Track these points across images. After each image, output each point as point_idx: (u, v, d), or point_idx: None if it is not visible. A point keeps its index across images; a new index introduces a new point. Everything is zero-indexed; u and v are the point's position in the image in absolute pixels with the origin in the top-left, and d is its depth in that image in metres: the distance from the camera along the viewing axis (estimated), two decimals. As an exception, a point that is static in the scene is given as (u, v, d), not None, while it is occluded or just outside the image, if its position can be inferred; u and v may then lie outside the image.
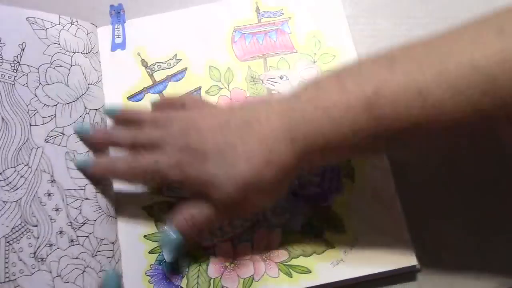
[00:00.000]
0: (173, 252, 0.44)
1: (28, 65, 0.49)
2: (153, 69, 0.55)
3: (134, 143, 0.46)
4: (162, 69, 0.55)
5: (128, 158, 0.46)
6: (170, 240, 0.44)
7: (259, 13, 0.57)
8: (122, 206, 0.49)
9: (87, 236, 0.46)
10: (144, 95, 0.54)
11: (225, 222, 0.48)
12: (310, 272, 0.46)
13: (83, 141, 0.49)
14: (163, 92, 0.54)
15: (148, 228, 0.49)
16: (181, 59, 0.55)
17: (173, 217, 0.44)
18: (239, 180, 0.41)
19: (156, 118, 0.47)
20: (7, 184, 0.45)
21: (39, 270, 0.43)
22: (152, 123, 0.46)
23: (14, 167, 0.46)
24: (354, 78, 0.39)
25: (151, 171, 0.44)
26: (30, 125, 0.47)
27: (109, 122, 0.52)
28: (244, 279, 0.46)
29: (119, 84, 0.54)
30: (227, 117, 0.43)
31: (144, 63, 0.55)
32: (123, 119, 0.50)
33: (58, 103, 0.49)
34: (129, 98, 0.54)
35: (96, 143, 0.49)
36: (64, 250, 0.44)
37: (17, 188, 0.45)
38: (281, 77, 0.54)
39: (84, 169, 0.48)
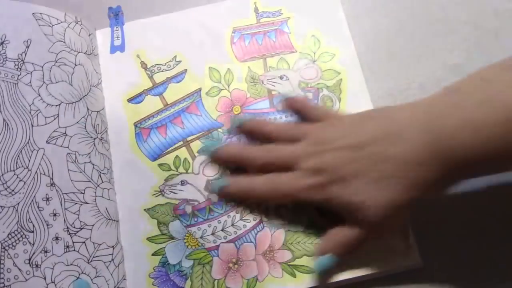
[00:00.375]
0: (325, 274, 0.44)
1: (33, 63, 0.48)
2: (153, 71, 0.54)
3: (266, 167, 0.45)
4: (162, 71, 0.54)
5: (266, 179, 0.45)
6: (324, 266, 0.43)
7: (258, 14, 0.56)
8: (124, 208, 0.49)
9: (83, 242, 0.45)
10: (144, 97, 0.53)
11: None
12: (314, 272, 0.45)
13: (211, 160, 0.49)
14: (163, 94, 0.53)
15: (151, 230, 0.48)
16: (180, 61, 0.55)
17: (322, 243, 0.44)
18: (388, 204, 0.40)
19: (289, 135, 0.46)
20: (5, 189, 0.44)
21: (33, 276, 0.42)
22: (285, 139, 0.46)
23: (14, 170, 0.45)
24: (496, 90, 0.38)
25: (291, 194, 0.44)
26: (32, 125, 0.46)
27: (111, 124, 0.52)
28: (248, 280, 0.46)
29: (118, 86, 0.53)
30: (364, 135, 0.42)
31: (143, 65, 0.55)
32: (249, 131, 0.49)
33: (62, 102, 0.48)
34: (129, 100, 0.53)
35: (225, 160, 0.49)
36: (59, 256, 0.43)
37: (16, 193, 0.44)
38: (281, 77, 0.53)
39: (219, 192, 0.47)
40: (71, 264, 0.44)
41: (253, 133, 0.49)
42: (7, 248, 0.43)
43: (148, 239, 0.48)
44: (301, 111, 0.49)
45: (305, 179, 0.43)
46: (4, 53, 0.48)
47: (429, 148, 0.39)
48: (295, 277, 0.46)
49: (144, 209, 0.49)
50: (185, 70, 0.54)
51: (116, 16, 0.57)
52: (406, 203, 0.41)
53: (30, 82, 0.48)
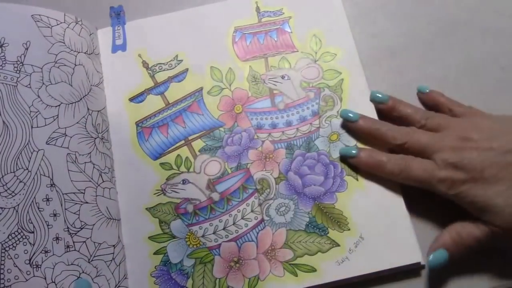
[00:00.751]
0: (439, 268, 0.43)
1: (32, 65, 0.48)
2: (155, 70, 0.54)
3: (402, 146, 0.46)
4: (163, 70, 0.54)
5: (399, 161, 0.46)
6: (439, 260, 0.43)
7: (259, 13, 0.56)
8: (125, 207, 0.49)
9: (84, 242, 0.44)
10: (146, 96, 0.53)
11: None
12: (315, 270, 0.45)
13: (349, 127, 0.49)
14: (165, 93, 0.54)
15: (152, 229, 0.48)
16: (182, 60, 0.54)
17: (441, 234, 0.44)
18: None
19: (428, 122, 0.47)
20: (5, 190, 0.44)
21: (33, 276, 0.42)
22: (422, 125, 0.47)
23: (14, 172, 0.44)
24: None
25: (419, 179, 0.44)
26: (32, 127, 0.46)
27: (112, 124, 0.52)
28: (249, 278, 0.45)
29: (120, 86, 0.53)
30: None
31: (145, 64, 0.54)
32: (390, 109, 0.49)
33: (61, 103, 0.48)
34: (131, 99, 0.53)
35: (361, 131, 0.49)
36: (60, 256, 0.43)
37: (16, 194, 0.44)
38: (282, 77, 0.53)
39: (349, 157, 0.48)
40: (72, 264, 0.43)
41: (392, 111, 0.49)
42: (7, 249, 0.42)
43: (149, 238, 0.48)
44: (440, 105, 0.49)
45: (442, 171, 0.43)
46: (3, 56, 0.48)
47: None
48: (296, 276, 0.45)
49: (146, 208, 0.49)
50: (187, 69, 0.54)
51: (117, 16, 0.57)
52: None
53: (29, 84, 0.47)
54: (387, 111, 0.49)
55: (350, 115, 0.49)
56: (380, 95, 0.50)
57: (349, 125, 0.49)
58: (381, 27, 0.55)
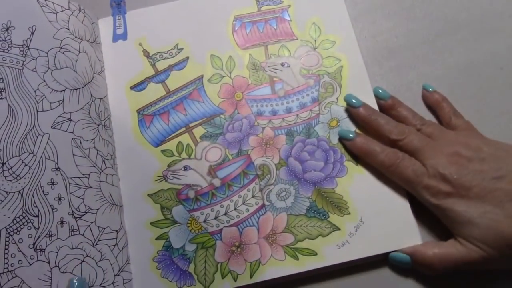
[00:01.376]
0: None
1: (38, 49, 0.48)
2: (155, 59, 0.54)
3: (396, 142, 0.47)
4: (164, 58, 0.54)
5: (392, 154, 0.46)
6: (401, 263, 0.45)
7: (259, 2, 0.56)
8: (127, 193, 0.49)
9: (88, 226, 0.44)
10: (147, 84, 0.53)
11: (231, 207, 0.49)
12: (316, 254, 0.45)
13: (350, 112, 0.50)
14: (166, 81, 0.54)
15: (154, 215, 0.48)
16: (182, 49, 0.55)
17: (420, 246, 0.44)
18: (500, 237, 0.41)
19: (423, 128, 0.47)
20: (11, 174, 0.44)
21: (37, 260, 0.42)
22: (417, 130, 0.47)
23: (19, 155, 0.44)
24: None
25: (407, 178, 0.45)
26: (37, 111, 0.46)
27: (114, 111, 0.53)
28: (251, 263, 0.46)
29: (121, 74, 0.53)
30: (506, 168, 0.42)
31: (145, 53, 0.55)
32: (389, 106, 0.50)
33: (66, 88, 0.48)
34: (132, 87, 0.53)
35: (359, 119, 0.49)
36: (64, 240, 0.43)
37: (21, 178, 0.44)
38: (282, 64, 0.53)
39: (345, 140, 0.49)
40: (76, 248, 0.43)
41: (391, 109, 0.50)
42: (11, 233, 0.42)
43: (151, 223, 0.48)
44: (441, 110, 0.50)
45: (431, 179, 0.44)
46: (10, 39, 0.47)
47: None
48: (297, 259, 0.46)
49: (148, 195, 0.49)
50: (187, 58, 0.54)
51: (118, 5, 0.57)
52: None
53: (35, 68, 0.47)
54: (386, 108, 0.50)
55: (353, 100, 0.49)
56: (381, 91, 0.50)
57: (350, 110, 0.50)
58: (381, 27, 0.55)
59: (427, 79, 0.53)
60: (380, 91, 0.50)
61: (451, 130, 0.48)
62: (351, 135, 0.48)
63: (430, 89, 0.51)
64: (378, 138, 0.48)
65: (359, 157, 0.49)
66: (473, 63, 0.53)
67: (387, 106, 0.50)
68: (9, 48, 0.47)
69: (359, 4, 0.56)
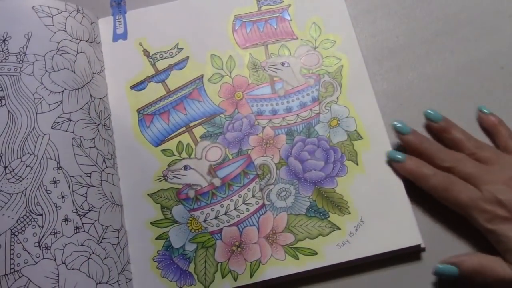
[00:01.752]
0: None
1: (34, 54, 0.48)
2: (155, 58, 0.54)
3: (450, 169, 0.45)
4: (164, 58, 0.54)
5: (445, 179, 0.45)
6: (448, 273, 0.43)
7: (259, 1, 0.56)
8: (127, 193, 0.49)
9: (92, 223, 0.45)
10: (147, 84, 0.53)
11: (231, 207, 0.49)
12: (316, 254, 0.45)
13: (399, 138, 0.48)
14: (166, 81, 0.54)
15: (154, 215, 0.48)
16: (182, 48, 0.55)
17: (465, 255, 0.44)
18: None
19: (478, 152, 0.46)
20: (13, 176, 0.44)
21: (43, 258, 0.42)
22: (472, 153, 0.46)
23: (20, 157, 0.45)
24: None
25: (461, 203, 0.44)
26: (36, 113, 0.46)
27: (114, 111, 0.53)
28: (251, 262, 0.46)
29: (121, 74, 0.53)
30: None
31: (146, 52, 0.55)
32: (442, 129, 0.48)
33: (65, 89, 0.48)
34: (132, 87, 0.53)
35: (409, 147, 0.48)
36: (69, 237, 0.43)
37: (23, 179, 0.44)
38: (282, 64, 0.53)
39: (394, 161, 0.47)
40: (82, 245, 0.43)
41: (444, 132, 0.48)
42: (16, 233, 0.43)
43: (151, 223, 0.48)
44: (497, 134, 0.49)
45: (487, 204, 0.43)
46: (7, 49, 0.48)
47: None
48: (297, 259, 0.46)
49: (148, 194, 0.49)
50: (187, 57, 0.54)
51: (118, 5, 0.57)
52: None
53: (32, 72, 0.48)
54: (438, 131, 0.49)
55: (401, 126, 0.48)
56: (432, 113, 0.49)
57: (399, 137, 0.48)
58: (381, 27, 0.55)
59: (427, 78, 0.53)
60: (431, 112, 0.49)
61: (507, 154, 0.46)
62: (400, 157, 0.47)
63: (486, 111, 0.50)
64: (430, 163, 0.47)
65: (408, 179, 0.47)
66: (473, 63, 0.53)
67: (439, 129, 0.49)
68: (7, 58, 0.48)
69: (359, 3, 0.56)
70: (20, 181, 0.44)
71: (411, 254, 0.46)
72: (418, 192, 0.47)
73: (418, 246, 0.45)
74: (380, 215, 0.46)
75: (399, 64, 0.53)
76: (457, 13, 0.55)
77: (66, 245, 0.43)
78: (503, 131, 0.48)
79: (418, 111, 0.50)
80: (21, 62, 0.48)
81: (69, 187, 0.45)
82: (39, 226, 0.43)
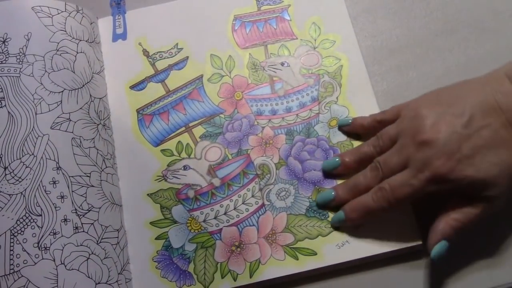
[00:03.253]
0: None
1: (34, 55, 0.48)
2: (155, 58, 0.54)
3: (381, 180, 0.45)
4: (164, 58, 0.54)
5: (379, 193, 0.44)
6: (441, 253, 0.42)
7: (259, 1, 0.56)
8: (127, 193, 0.49)
9: (92, 223, 0.45)
10: (147, 84, 0.53)
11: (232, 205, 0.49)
12: (316, 254, 0.45)
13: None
14: (165, 81, 0.54)
15: (154, 214, 0.48)
16: (182, 48, 0.55)
17: (439, 224, 0.43)
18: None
19: (382, 143, 0.46)
20: (13, 177, 0.44)
21: (42, 259, 0.42)
22: (380, 151, 0.46)
23: (20, 158, 0.45)
24: None
25: (410, 196, 0.43)
26: (36, 113, 0.46)
27: (113, 111, 0.52)
28: (250, 262, 0.46)
29: (121, 74, 0.53)
30: (465, 114, 0.42)
31: (145, 52, 0.55)
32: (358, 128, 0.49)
33: (64, 89, 0.48)
34: (132, 87, 0.53)
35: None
36: (68, 237, 0.43)
37: (22, 179, 0.44)
38: (282, 64, 0.53)
39: (342, 223, 0.46)
40: (81, 245, 0.44)
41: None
42: (16, 234, 0.43)
43: (151, 223, 0.48)
44: (369, 128, 0.48)
45: (420, 173, 0.42)
46: (6, 50, 0.48)
47: None
48: (297, 259, 0.46)
49: (147, 194, 0.49)
50: (187, 57, 0.54)
51: (118, 5, 0.57)
52: None
53: (32, 73, 0.48)
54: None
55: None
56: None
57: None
58: (381, 26, 0.55)
59: (427, 78, 0.53)
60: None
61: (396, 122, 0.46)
62: (341, 215, 0.46)
63: (350, 121, 0.50)
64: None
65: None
66: (473, 63, 0.53)
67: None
68: (7, 59, 0.48)
69: (359, 3, 0.57)
70: (20, 181, 0.44)
71: (411, 254, 0.46)
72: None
73: (418, 245, 0.45)
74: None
75: (399, 64, 0.54)
76: (457, 13, 0.55)
77: (65, 245, 0.43)
78: (370, 120, 0.48)
79: None
80: (20, 63, 0.48)
81: (68, 187, 0.45)
82: (38, 226, 0.43)
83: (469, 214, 0.42)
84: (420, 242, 0.45)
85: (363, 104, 0.51)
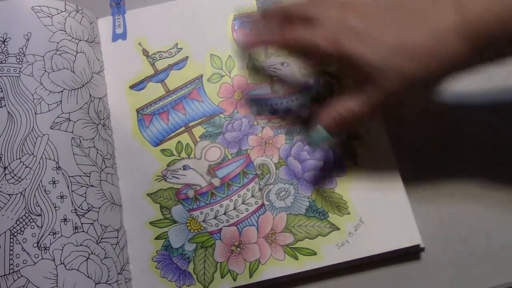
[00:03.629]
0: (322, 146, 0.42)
1: (33, 54, 0.48)
2: (155, 58, 0.54)
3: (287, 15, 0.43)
4: (164, 58, 0.54)
5: (282, 27, 0.42)
6: (318, 139, 0.42)
7: (259, 1, 0.56)
8: (126, 193, 0.49)
9: (91, 223, 0.45)
10: (146, 84, 0.53)
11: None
12: (315, 254, 0.45)
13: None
14: (165, 81, 0.54)
15: (153, 214, 0.48)
16: (182, 48, 0.55)
17: (321, 114, 0.42)
18: (401, 73, 0.38)
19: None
20: (12, 177, 0.44)
21: (42, 259, 0.42)
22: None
23: (19, 158, 0.45)
24: None
25: (304, 41, 0.41)
26: (35, 113, 0.47)
27: (113, 111, 0.52)
28: (250, 262, 0.46)
29: (121, 74, 0.53)
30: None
31: (145, 52, 0.55)
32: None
33: (64, 89, 0.48)
34: (131, 87, 0.53)
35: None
36: (68, 237, 0.43)
37: (22, 179, 0.44)
38: (282, 64, 0.53)
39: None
40: (81, 245, 0.44)
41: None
42: (15, 234, 0.43)
43: (151, 223, 0.48)
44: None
45: (320, 30, 0.40)
46: (6, 50, 0.48)
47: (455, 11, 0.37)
48: (297, 259, 0.46)
49: (147, 194, 0.49)
50: (187, 57, 0.54)
51: (117, 5, 0.57)
52: (423, 77, 0.39)
53: (31, 73, 0.48)
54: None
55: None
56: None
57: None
58: None
59: None
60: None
61: None
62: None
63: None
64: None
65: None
66: None
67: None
68: (6, 59, 0.48)
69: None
70: (19, 181, 0.44)
71: (410, 254, 0.46)
72: (417, 192, 0.47)
73: (418, 246, 0.46)
74: (379, 215, 0.46)
75: None
76: None
77: (65, 245, 0.43)
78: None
79: (418, 111, 0.50)
80: (20, 62, 0.48)
81: (68, 187, 0.45)
82: (38, 226, 0.43)
83: (350, 110, 0.41)
84: (419, 243, 0.45)
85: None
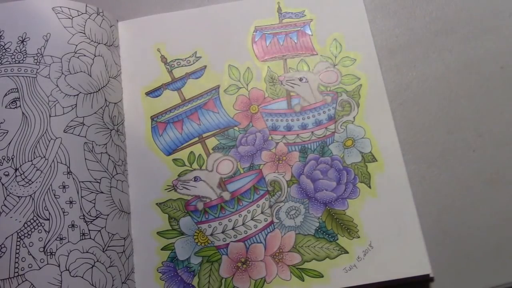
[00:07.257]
0: None
1: (51, 56, 0.49)
2: (173, 65, 0.55)
3: None
4: (182, 66, 0.55)
5: None
6: None
7: (281, 14, 0.57)
8: (136, 201, 0.50)
9: (99, 230, 0.45)
10: (163, 91, 0.54)
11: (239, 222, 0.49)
12: (322, 276, 0.46)
13: None
14: (182, 89, 0.54)
15: (161, 224, 0.49)
16: (200, 57, 0.55)
17: None
18: None
19: None
20: (23, 179, 0.45)
21: (47, 264, 0.43)
22: None
23: (31, 160, 0.46)
24: None
25: None
26: (50, 116, 0.47)
27: (128, 117, 0.53)
28: (255, 280, 0.46)
29: (138, 79, 0.54)
30: None
31: (163, 59, 0.55)
32: None
33: (80, 93, 0.49)
34: (147, 93, 0.54)
35: None
36: (75, 244, 0.44)
37: (32, 182, 0.45)
38: (300, 79, 0.54)
39: None
40: (87, 252, 0.44)
41: None
42: (22, 237, 0.44)
43: (158, 233, 0.49)
44: None
45: None
46: (25, 50, 0.49)
47: None
48: (303, 280, 0.46)
49: (156, 203, 0.50)
50: (205, 67, 0.55)
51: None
52: None
53: (48, 74, 0.49)
54: None
55: None
56: None
57: None
58: (381, 26, 0.56)
59: (427, 78, 0.53)
60: None
61: None
62: None
63: None
64: None
65: None
66: (473, 62, 0.54)
67: None
68: (24, 59, 0.49)
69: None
70: (30, 184, 0.45)
71: (419, 283, 0.46)
72: (429, 220, 0.47)
73: (427, 275, 0.45)
74: (390, 241, 0.46)
75: (398, 64, 0.54)
76: (457, 12, 0.56)
77: (71, 251, 0.44)
78: None
79: (418, 111, 0.51)
80: (38, 63, 0.49)
81: (77, 193, 0.46)
82: (45, 231, 0.44)
83: None
84: (428, 272, 0.45)
85: (380, 126, 0.51)
